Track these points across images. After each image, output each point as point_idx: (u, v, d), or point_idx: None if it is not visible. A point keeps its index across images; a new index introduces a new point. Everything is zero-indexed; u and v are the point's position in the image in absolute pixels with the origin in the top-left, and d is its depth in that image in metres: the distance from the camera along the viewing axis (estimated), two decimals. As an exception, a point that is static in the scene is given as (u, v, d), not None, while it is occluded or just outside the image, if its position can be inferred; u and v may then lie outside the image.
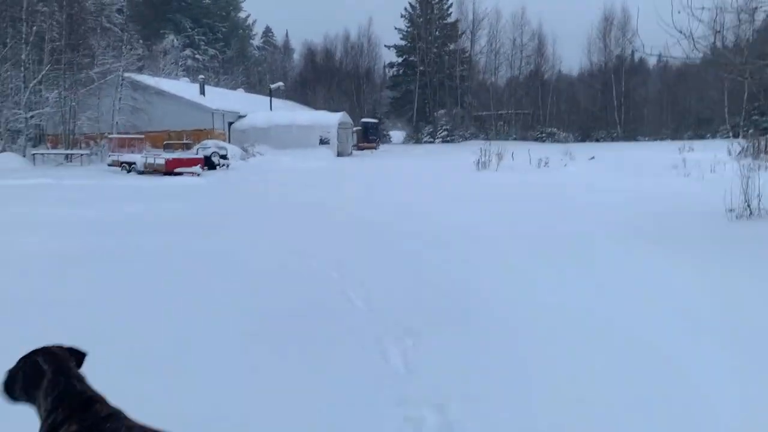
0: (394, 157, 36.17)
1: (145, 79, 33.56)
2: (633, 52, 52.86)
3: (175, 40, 70.53)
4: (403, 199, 13.77)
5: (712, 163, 20.34)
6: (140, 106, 32.62)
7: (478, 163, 22.82)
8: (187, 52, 73.09)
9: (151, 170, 23.76)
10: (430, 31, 63.46)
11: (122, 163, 25.37)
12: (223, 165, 26.82)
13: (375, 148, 46.26)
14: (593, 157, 29.20)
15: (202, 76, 37.95)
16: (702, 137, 46.85)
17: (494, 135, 57.16)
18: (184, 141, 30.78)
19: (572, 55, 72.58)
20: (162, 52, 63.54)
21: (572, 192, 14.69)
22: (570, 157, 28.05)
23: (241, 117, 38.31)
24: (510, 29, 61.21)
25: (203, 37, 75.61)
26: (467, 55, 63.72)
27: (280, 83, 44.16)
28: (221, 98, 40.02)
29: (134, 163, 24.64)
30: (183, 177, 22.71)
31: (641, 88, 55.59)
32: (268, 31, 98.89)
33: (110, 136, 30.97)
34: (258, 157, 33.68)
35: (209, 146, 30.18)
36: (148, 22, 70.53)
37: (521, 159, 25.17)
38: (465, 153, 39.18)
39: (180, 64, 63.86)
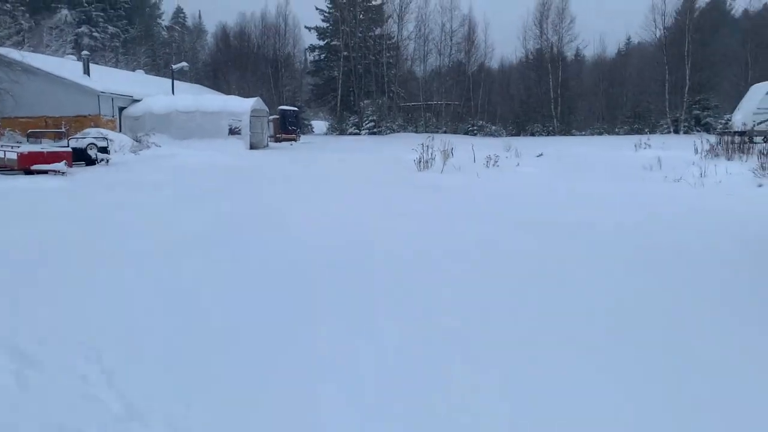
0: (318, 151, 31.69)
1: (9, 52, 27.47)
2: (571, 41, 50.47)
3: (69, 15, 62.78)
4: (340, 217, 9.52)
5: (690, 164, 17.34)
6: (1, 86, 26.52)
7: (420, 162, 18.82)
8: (84, 29, 65.42)
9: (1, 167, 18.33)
10: (354, 14, 59.02)
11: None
12: (102, 160, 21.59)
13: (295, 139, 41.55)
14: (541, 154, 26.01)
15: (85, 52, 31.86)
16: (638, 131, 45.04)
17: (423, 127, 53.68)
18: (58, 130, 25.11)
19: (505, 43, 70.13)
20: (52, 28, 56.07)
21: (551, 204, 10.94)
22: (515, 153, 24.70)
23: (136, 102, 32.68)
24: (439, 14, 57.66)
25: (102, 14, 67.84)
26: (394, 40, 59.70)
27: (184, 63, 38.55)
28: (112, 79, 34.15)
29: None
30: (45, 176, 17.57)
31: (576, 79, 53.26)
32: (179, 12, 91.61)
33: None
34: (153, 149, 28.39)
35: (90, 136, 24.88)
36: (37, -8, 62.63)
37: (463, 156, 21.45)
38: (397, 147, 35.28)
39: (70, 41, 56.38)
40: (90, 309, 4.81)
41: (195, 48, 78.79)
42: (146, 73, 49.43)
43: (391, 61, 58.52)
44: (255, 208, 10.49)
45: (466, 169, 18.79)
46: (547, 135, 49.36)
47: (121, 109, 32.10)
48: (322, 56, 61.83)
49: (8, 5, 55.24)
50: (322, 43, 61.18)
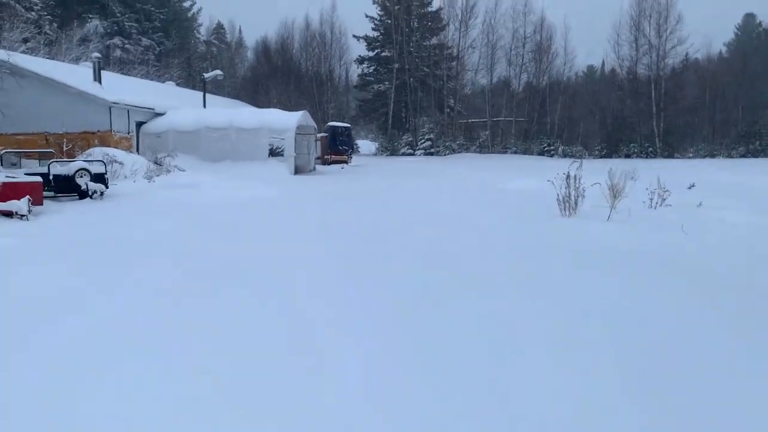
0: (379, 177, 25.18)
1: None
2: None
3: (99, 26, 58.25)
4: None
5: None
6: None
7: (563, 201, 12.06)
8: (116, 40, 60.83)
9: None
10: (408, 21, 52.86)
11: None
12: (95, 192, 15.47)
13: (346, 161, 35.20)
14: (693, 185, 19.03)
15: (96, 54, 26.11)
16: (755, 153, 37.39)
17: (489, 147, 46.93)
18: (44, 150, 19.23)
19: (591, 49, 62.51)
20: (82, 39, 51.41)
21: None
22: (660, 184, 17.66)
23: (158, 115, 26.81)
24: (510, 19, 50.64)
25: (135, 24, 63.25)
26: (452, 49, 53.09)
27: (218, 71, 32.74)
28: (130, 89, 28.43)
29: None
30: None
31: (681, 91, 45.12)
32: (219, 27, 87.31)
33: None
34: (175, 174, 22.37)
35: (90, 158, 19.06)
36: (68, 3, 58.49)
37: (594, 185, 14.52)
38: (472, 171, 28.61)
39: (98, 52, 51.58)
40: None
41: (234, 62, 73.89)
42: (178, 85, 44.01)
43: (450, 73, 52.01)
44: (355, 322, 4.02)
45: (639, 215, 12.03)
46: (647, 157, 41.84)
47: (140, 125, 26.23)
48: (371, 68, 55.69)
49: (34, 13, 51.17)
50: (371, 53, 55.06)
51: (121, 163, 21.55)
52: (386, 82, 53.42)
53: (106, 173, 16.37)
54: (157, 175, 21.69)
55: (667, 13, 44.57)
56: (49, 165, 15.52)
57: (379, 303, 5.66)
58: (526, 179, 21.16)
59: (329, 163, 34.03)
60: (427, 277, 6.78)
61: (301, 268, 7.29)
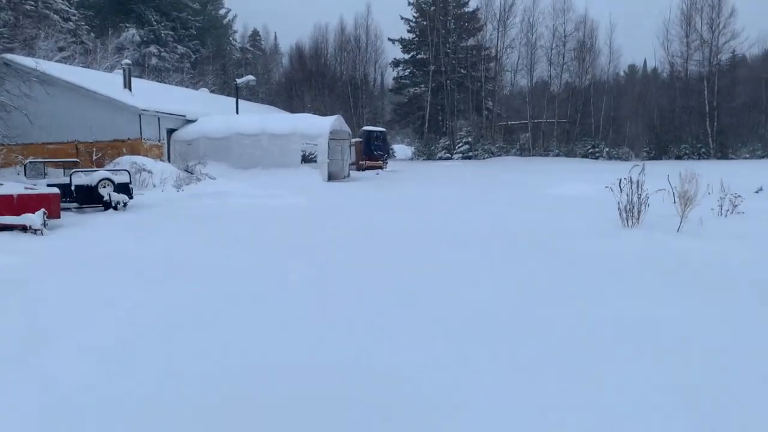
0: (417, 183, 24.00)
1: (17, 59, 21.44)
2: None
3: (137, 35, 58.60)
4: None
5: None
6: (12, 102, 20.36)
7: (625, 209, 10.69)
8: (152, 48, 61.12)
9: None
10: (445, 23, 51.62)
11: None
12: (118, 203, 14.72)
13: (381, 167, 34.14)
14: (761, 189, 17.39)
15: (127, 61, 25.62)
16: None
17: (529, 149, 45.32)
18: (69, 159, 18.64)
19: (639, 46, 59.88)
20: (117, 48, 51.64)
21: None
22: (722, 188, 16.01)
23: (189, 122, 26.20)
24: (549, 17, 48.89)
25: (171, 33, 63.51)
26: (489, 50, 51.56)
27: (250, 77, 32.04)
28: (161, 96, 27.95)
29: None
30: (9, 233, 10.92)
31: (734, 88, 42.66)
32: (255, 35, 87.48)
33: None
34: (205, 182, 21.61)
35: (117, 168, 18.49)
36: (105, 13, 59.11)
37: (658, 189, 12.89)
38: (514, 175, 27.23)
39: (134, 60, 51.82)
40: None
41: (269, 68, 73.67)
42: (213, 92, 43.66)
43: (488, 74, 50.54)
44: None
45: (714, 225, 10.63)
46: (699, 158, 39.69)
47: (171, 132, 25.65)
48: (407, 71, 54.57)
49: (71, 23, 51.61)
50: (407, 56, 53.96)
51: (149, 172, 20.93)
52: (422, 85, 52.29)
53: (130, 183, 15.60)
54: (187, 184, 20.98)
55: (719, 5, 42.27)
56: (71, 175, 14.83)
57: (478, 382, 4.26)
58: (574, 184, 19.73)
59: (364, 169, 33.02)
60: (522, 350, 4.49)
61: (346, 315, 6.09)
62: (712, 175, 15.66)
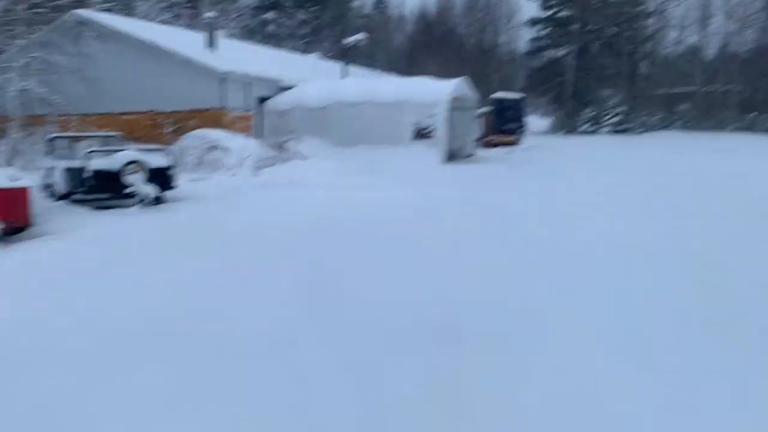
0: (567, 166, 17.97)
1: (88, 14, 17.94)
2: None
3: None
4: None
5: None
6: (74, 65, 16.91)
7: None
8: (270, 15, 58.42)
9: None
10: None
11: None
12: (143, 199, 10.45)
13: (514, 143, 28.11)
14: None
15: (209, 13, 21.60)
16: None
17: (697, 123, 37.08)
18: (107, 134, 14.70)
19: None
20: (234, 13, 49.16)
21: None
22: None
23: (285, 90, 21.84)
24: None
25: (291, -2, 60.30)
26: (644, 5, 43.08)
27: (360, 35, 27.29)
28: (254, 58, 23.85)
29: None
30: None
31: None
32: (379, 2, 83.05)
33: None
34: (293, 164, 17.16)
35: (190, 143, 14.53)
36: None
37: None
38: (706, 158, 20.37)
39: (251, 28, 49.01)
40: None
41: (391, 35, 68.89)
42: (330, 58, 39.37)
43: (646, 32, 42.25)
44: None
45: None
46: None
47: (262, 100, 21.43)
48: (546, 31, 47.27)
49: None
50: (547, 13, 46.56)
51: (226, 149, 16.81)
52: (564, 47, 44.95)
53: (170, 167, 11.27)
54: (271, 166, 16.64)
55: None
56: (86, 156, 10.69)
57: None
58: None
59: (494, 145, 27.17)
60: None
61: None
62: None
